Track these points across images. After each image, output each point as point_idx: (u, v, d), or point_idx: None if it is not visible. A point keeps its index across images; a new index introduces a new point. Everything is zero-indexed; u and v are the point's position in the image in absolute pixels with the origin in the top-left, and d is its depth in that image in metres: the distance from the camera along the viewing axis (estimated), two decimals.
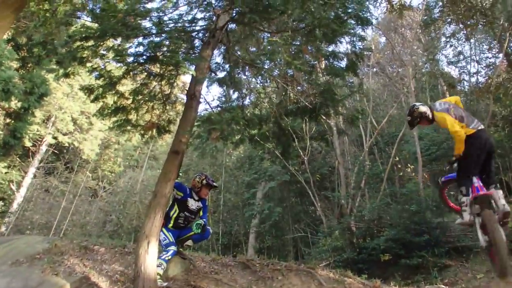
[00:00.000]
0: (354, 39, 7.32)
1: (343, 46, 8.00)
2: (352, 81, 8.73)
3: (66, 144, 28.77)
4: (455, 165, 5.99)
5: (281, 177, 19.68)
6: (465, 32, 17.81)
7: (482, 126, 5.98)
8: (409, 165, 19.16)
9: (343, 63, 7.54)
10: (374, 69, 23.99)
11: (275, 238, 20.52)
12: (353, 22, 7.14)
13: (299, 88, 8.44)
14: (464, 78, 22.07)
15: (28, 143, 26.35)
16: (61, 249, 7.39)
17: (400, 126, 19.83)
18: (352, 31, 7.20)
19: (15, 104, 23.48)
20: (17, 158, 27.26)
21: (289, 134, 8.16)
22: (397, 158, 19.27)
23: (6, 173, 25.37)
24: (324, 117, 9.51)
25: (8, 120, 24.93)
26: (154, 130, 8.54)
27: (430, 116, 6.15)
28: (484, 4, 13.45)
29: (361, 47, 7.56)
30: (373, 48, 18.16)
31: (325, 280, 6.85)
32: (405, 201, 14.78)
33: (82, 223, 25.07)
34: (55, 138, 27.88)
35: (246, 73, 8.64)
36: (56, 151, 29.39)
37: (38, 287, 6.03)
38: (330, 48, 7.72)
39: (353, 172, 19.15)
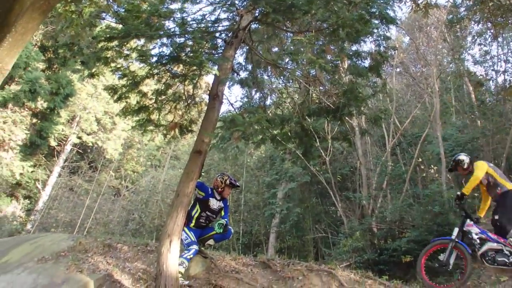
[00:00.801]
0: (379, 38, 7.26)
1: (367, 45, 7.96)
2: (375, 81, 8.65)
3: (90, 144, 29.22)
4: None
5: (302, 178, 19.59)
6: (492, 31, 17.44)
7: None
8: (432, 166, 18.86)
9: (367, 63, 7.49)
10: (398, 69, 23.70)
11: (296, 238, 20.42)
12: (377, 21, 7.08)
13: (321, 88, 8.40)
14: (492, 76, 21.63)
15: (53, 143, 26.87)
16: (85, 246, 7.51)
17: (424, 127, 19.56)
18: (376, 30, 7.14)
19: (41, 104, 23.98)
20: (43, 157, 27.83)
21: (311, 135, 8.11)
22: (420, 159, 18.98)
23: (32, 172, 25.87)
24: (346, 117, 9.45)
25: (34, 120, 25.47)
26: (177, 130, 8.60)
27: (465, 166, 7.10)
28: None
29: (385, 46, 7.49)
30: (397, 46, 17.92)
31: (345, 281, 6.80)
32: (428, 203, 14.53)
33: (105, 221, 25.36)
34: (79, 137, 28.34)
35: (269, 73, 8.65)
36: (80, 151, 29.87)
37: (63, 284, 6.15)
38: (354, 48, 7.66)
39: (375, 173, 18.96)
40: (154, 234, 19.79)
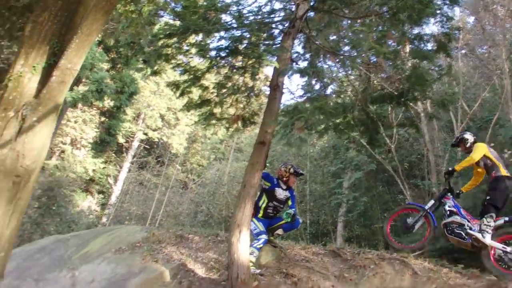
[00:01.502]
0: (442, 19, 7.00)
1: (429, 28, 7.66)
2: (440, 64, 8.34)
3: (156, 140, 30.20)
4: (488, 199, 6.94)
5: (368, 166, 19.27)
6: None
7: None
8: (506, 150, 17.95)
9: (430, 46, 7.25)
10: (463, 51, 22.65)
11: (364, 227, 20.11)
12: (439, 2, 6.83)
13: (383, 74, 8.21)
14: None
15: (121, 140, 28.08)
16: (158, 237, 7.80)
17: (494, 110, 18.62)
18: (439, 11, 6.89)
19: (108, 103, 25.09)
20: (113, 154, 29.14)
21: (376, 122, 7.96)
22: (492, 144, 18.08)
23: (104, 168, 27.20)
24: (411, 103, 9.18)
25: (102, 119, 26.71)
26: (240, 123, 8.70)
27: (468, 145, 7.53)
28: None
29: (449, 27, 7.21)
30: (461, 27, 17.11)
31: (419, 269, 6.66)
32: None
33: (175, 213, 26.10)
34: (145, 134, 29.38)
35: (328, 62, 8.55)
36: (147, 146, 30.95)
37: (140, 273, 6.44)
38: (415, 31, 7.43)
39: (444, 159, 18.31)
40: (223, 225, 20.14)
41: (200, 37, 8.13)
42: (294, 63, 7.72)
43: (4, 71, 5.16)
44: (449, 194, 7.53)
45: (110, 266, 6.82)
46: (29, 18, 5.08)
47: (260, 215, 7.12)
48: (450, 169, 7.47)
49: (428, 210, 7.40)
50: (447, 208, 7.40)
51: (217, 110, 8.57)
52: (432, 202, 7.55)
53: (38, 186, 17.98)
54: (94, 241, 8.06)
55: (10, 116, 4.51)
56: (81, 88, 22.22)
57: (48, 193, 19.96)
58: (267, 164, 7.88)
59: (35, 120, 4.48)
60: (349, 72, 8.93)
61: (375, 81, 8.15)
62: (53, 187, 20.44)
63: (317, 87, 8.23)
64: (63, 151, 26.13)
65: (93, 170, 26.21)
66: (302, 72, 7.69)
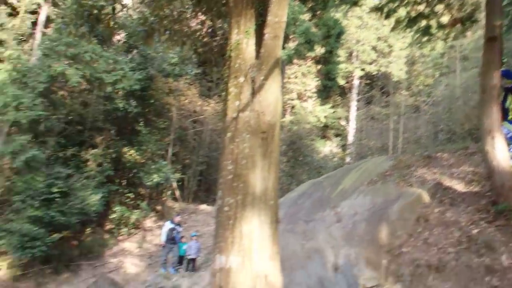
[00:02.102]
0: None
1: None
2: None
3: (375, 72, 29.80)
4: None
5: None
6: None
7: None
8: None
9: None
10: None
11: None
12: None
13: None
14: None
15: (341, 82, 28.77)
16: (406, 163, 7.86)
17: None
18: None
19: (319, 51, 25.88)
20: (338, 97, 30.12)
21: None
22: None
23: (333, 112, 28.31)
24: None
25: (319, 67, 27.72)
26: (459, 26, 8.13)
27: None
28: None
29: None
30: None
31: None
32: None
33: (414, 138, 25.56)
34: (363, 70, 29.29)
35: None
36: (368, 81, 30.87)
37: (398, 199, 6.64)
38: None
39: None
40: (469, 139, 19.00)
41: None
42: None
43: (225, 46, 5.82)
44: None
45: (367, 197, 7.17)
46: None
47: (510, 117, 6.55)
48: None
49: None
50: None
51: (430, 22, 8.15)
52: None
53: (282, 143, 19.69)
54: (345, 178, 8.48)
55: (242, 82, 5.13)
56: (291, 45, 23.35)
57: (292, 146, 21.93)
58: (504, 60, 7.21)
59: (263, 78, 4.97)
60: None
61: None
62: (295, 140, 22.34)
63: None
64: (293, 107, 27.99)
65: (325, 117, 27.50)
66: None
